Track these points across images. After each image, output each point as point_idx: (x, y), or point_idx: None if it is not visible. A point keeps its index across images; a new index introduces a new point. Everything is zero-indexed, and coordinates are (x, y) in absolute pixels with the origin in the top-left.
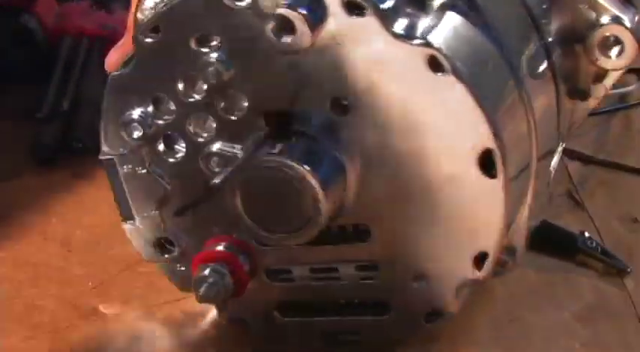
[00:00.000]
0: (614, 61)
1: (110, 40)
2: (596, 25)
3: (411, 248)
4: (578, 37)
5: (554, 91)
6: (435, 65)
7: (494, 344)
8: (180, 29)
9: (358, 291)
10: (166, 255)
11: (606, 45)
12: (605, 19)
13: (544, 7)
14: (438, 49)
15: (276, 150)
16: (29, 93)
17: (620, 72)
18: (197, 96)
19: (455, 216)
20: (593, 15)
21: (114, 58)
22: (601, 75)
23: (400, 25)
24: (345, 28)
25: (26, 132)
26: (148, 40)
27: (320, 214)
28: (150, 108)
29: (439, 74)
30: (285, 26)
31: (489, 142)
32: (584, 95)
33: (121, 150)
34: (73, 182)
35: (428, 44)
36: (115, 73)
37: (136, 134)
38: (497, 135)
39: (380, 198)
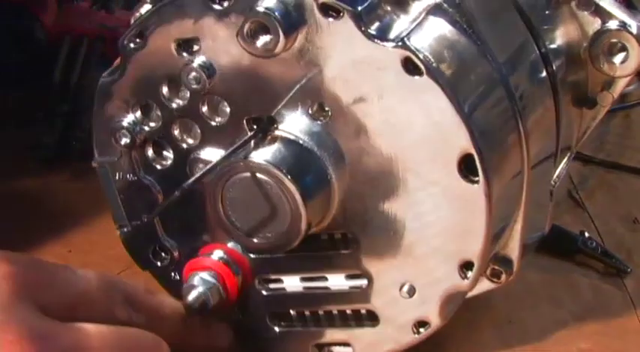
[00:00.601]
0: (619, 68)
1: (110, 40)
2: (600, 31)
3: (397, 256)
4: (583, 44)
5: (552, 100)
6: (410, 67)
7: (494, 345)
8: (163, 35)
9: (348, 301)
10: (159, 263)
11: (612, 51)
12: (610, 25)
13: (546, 12)
14: (413, 51)
15: (256, 154)
16: (29, 94)
17: (627, 79)
18: (181, 102)
19: (439, 224)
20: (598, 21)
21: None
22: (608, 82)
23: (376, 27)
24: (321, 31)
25: (26, 132)
26: (132, 45)
27: (300, 222)
28: (138, 115)
29: (416, 77)
30: (260, 30)
31: (468, 146)
32: (591, 103)
33: (112, 157)
34: (73, 182)
35: (403, 46)
36: (104, 79)
37: (125, 141)
38: (475, 139)
39: (365, 205)
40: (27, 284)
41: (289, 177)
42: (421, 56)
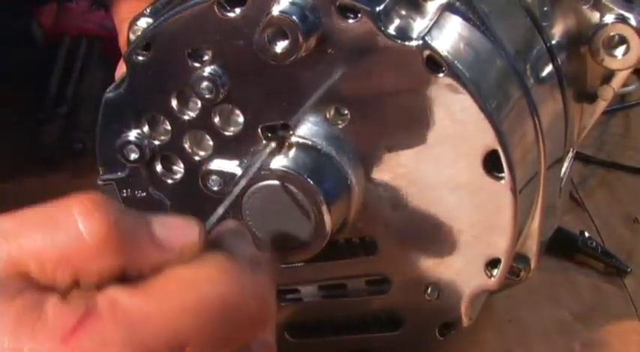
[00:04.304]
0: (620, 61)
1: (109, 39)
2: (600, 24)
3: (420, 258)
4: (582, 39)
5: (560, 96)
6: (433, 65)
7: (494, 344)
8: (172, 45)
9: (369, 307)
10: None
11: (611, 45)
12: (609, 19)
13: (545, 9)
14: (435, 49)
15: (276, 162)
16: (29, 94)
17: (628, 72)
18: (192, 114)
19: (464, 223)
20: (597, 15)
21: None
22: (608, 76)
23: (395, 26)
24: (339, 33)
25: (26, 132)
26: (140, 58)
27: (324, 228)
28: (145, 129)
29: (438, 74)
30: (278, 35)
31: (493, 143)
32: (591, 98)
33: (119, 173)
34: (73, 182)
35: (425, 44)
36: (108, 94)
37: (133, 156)
38: (500, 134)
39: (386, 208)
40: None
41: (311, 182)
42: (443, 54)
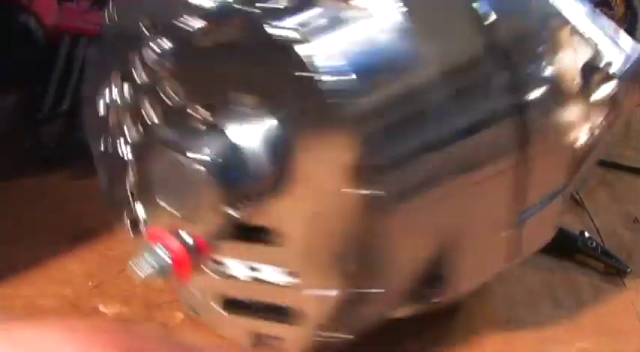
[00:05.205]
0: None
1: None
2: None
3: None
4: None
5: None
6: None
7: (494, 345)
8: (130, 14)
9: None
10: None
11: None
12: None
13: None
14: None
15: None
16: (29, 94)
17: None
18: (146, 79)
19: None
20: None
21: None
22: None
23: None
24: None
25: (26, 132)
26: (108, 22)
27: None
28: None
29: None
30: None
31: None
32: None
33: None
34: (73, 182)
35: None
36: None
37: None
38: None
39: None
40: None
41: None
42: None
